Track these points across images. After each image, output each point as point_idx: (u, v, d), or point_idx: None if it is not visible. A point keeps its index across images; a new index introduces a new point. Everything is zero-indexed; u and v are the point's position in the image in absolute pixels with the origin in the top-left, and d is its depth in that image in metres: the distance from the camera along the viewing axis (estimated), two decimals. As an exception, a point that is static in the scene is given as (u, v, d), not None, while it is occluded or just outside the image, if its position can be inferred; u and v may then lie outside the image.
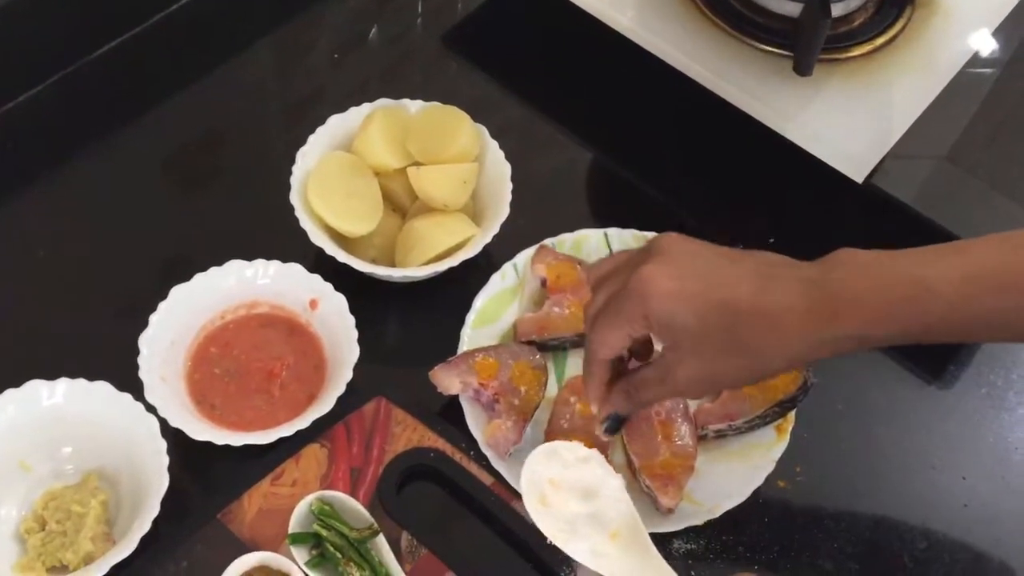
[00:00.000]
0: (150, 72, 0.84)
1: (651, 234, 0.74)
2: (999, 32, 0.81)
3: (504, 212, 0.70)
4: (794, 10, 0.78)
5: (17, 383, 0.63)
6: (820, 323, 0.53)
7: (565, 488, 0.58)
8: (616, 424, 0.60)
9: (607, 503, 0.57)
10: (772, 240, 0.77)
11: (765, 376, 0.59)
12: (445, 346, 0.69)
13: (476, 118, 0.74)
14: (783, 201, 0.79)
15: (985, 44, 0.80)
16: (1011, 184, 0.76)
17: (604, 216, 0.78)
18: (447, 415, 0.67)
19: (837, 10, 0.78)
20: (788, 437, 0.66)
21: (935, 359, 0.73)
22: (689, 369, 0.56)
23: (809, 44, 0.73)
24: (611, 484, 0.58)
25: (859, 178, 0.72)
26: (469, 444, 0.65)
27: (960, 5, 0.81)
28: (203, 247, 0.73)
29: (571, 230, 0.74)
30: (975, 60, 0.79)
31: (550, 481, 0.57)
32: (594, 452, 0.59)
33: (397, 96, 0.76)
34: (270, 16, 0.88)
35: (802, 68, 0.74)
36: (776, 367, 0.56)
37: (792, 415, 0.67)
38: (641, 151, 0.82)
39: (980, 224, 0.70)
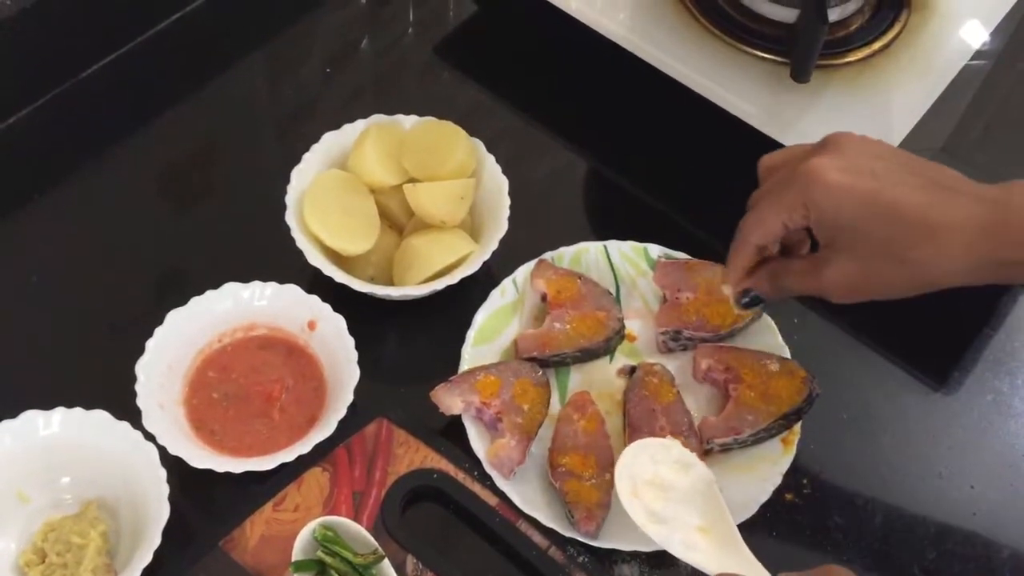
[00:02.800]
0: (141, 90, 0.83)
1: (651, 246, 0.73)
2: (996, 32, 0.80)
3: (503, 227, 0.70)
4: (790, 16, 0.77)
5: (13, 413, 0.62)
6: (991, 244, 0.53)
7: (656, 483, 0.58)
8: (755, 301, 0.61)
9: (698, 498, 0.57)
10: (773, 248, 0.76)
11: (920, 290, 0.56)
12: (446, 364, 0.68)
13: (470, 129, 0.73)
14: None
15: (981, 42, 0.79)
16: (1010, 177, 0.75)
17: (602, 225, 0.78)
18: (450, 435, 0.66)
19: (833, 15, 0.77)
20: (795, 449, 0.65)
21: (939, 365, 0.72)
22: (841, 269, 0.55)
23: (806, 50, 0.73)
24: (702, 478, 0.58)
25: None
26: (473, 464, 0.64)
27: (956, 7, 0.81)
28: (199, 268, 0.73)
29: (570, 241, 0.73)
30: (969, 55, 0.78)
31: (641, 477, 0.57)
32: (688, 452, 0.59)
33: (390, 109, 0.75)
34: (261, 31, 0.87)
35: (800, 74, 0.74)
36: (935, 282, 0.55)
37: (798, 427, 0.66)
38: (638, 159, 0.81)
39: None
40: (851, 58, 0.77)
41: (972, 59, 0.78)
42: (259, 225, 0.73)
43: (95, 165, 0.79)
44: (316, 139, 0.73)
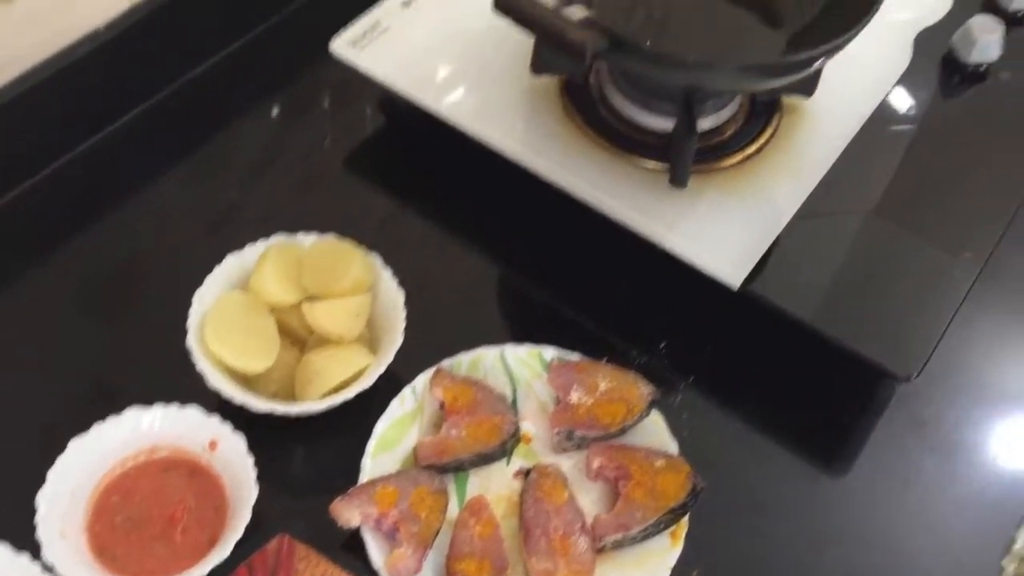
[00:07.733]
0: (67, 204, 0.85)
1: (545, 349, 0.76)
2: (867, 127, 0.85)
3: (398, 340, 0.72)
4: (669, 126, 0.82)
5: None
6: None
7: None
8: None
9: None
10: (664, 344, 0.80)
11: None
12: (348, 474, 0.70)
13: (380, 238, 0.77)
14: (673, 307, 0.82)
15: (850, 139, 0.84)
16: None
17: (502, 328, 0.81)
18: (353, 547, 0.68)
19: (708, 123, 0.83)
20: (682, 543, 0.68)
21: (826, 449, 0.76)
22: None
23: (680, 159, 0.78)
24: None
25: (735, 284, 0.76)
26: None
27: (825, 110, 0.86)
28: (109, 388, 0.74)
29: (470, 345, 0.76)
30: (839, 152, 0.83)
31: None
32: None
33: (304, 220, 0.78)
34: (179, 144, 0.91)
35: (677, 180, 0.78)
36: None
37: (685, 520, 0.69)
38: (536, 263, 0.85)
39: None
40: (727, 162, 0.82)
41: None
42: (167, 344, 0.75)
43: (14, 280, 0.81)
44: (224, 256, 0.76)
